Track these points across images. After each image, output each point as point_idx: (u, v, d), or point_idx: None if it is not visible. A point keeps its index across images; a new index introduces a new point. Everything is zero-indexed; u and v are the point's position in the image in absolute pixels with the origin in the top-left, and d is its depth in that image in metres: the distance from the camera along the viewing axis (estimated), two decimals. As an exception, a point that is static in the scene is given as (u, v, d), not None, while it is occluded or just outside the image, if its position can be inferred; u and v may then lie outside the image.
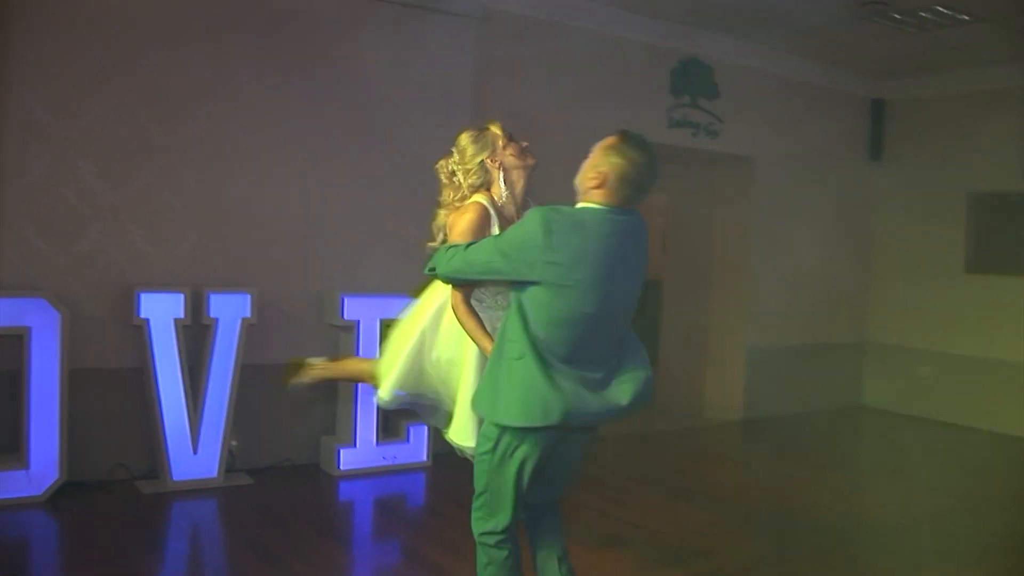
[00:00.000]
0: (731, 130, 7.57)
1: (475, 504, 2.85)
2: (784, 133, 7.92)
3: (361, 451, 5.47)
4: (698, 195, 8.20)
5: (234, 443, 5.04)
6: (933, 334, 8.18)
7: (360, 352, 5.36)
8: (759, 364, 7.87)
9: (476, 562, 2.88)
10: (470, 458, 3.07)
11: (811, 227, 8.19)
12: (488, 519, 2.78)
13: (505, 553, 2.76)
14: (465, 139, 3.23)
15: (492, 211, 3.17)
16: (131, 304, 4.79)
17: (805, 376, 8.22)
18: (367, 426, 5.49)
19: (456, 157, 3.26)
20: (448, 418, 3.34)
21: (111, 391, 4.90)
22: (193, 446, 4.94)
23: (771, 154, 7.85)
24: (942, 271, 8.08)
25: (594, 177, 2.61)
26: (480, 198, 3.20)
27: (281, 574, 3.81)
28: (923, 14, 6.37)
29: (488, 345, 2.85)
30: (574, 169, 2.76)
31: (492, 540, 2.78)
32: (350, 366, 4.04)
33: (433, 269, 2.86)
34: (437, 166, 3.36)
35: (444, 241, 3.25)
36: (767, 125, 7.78)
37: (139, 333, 4.84)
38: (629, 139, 2.62)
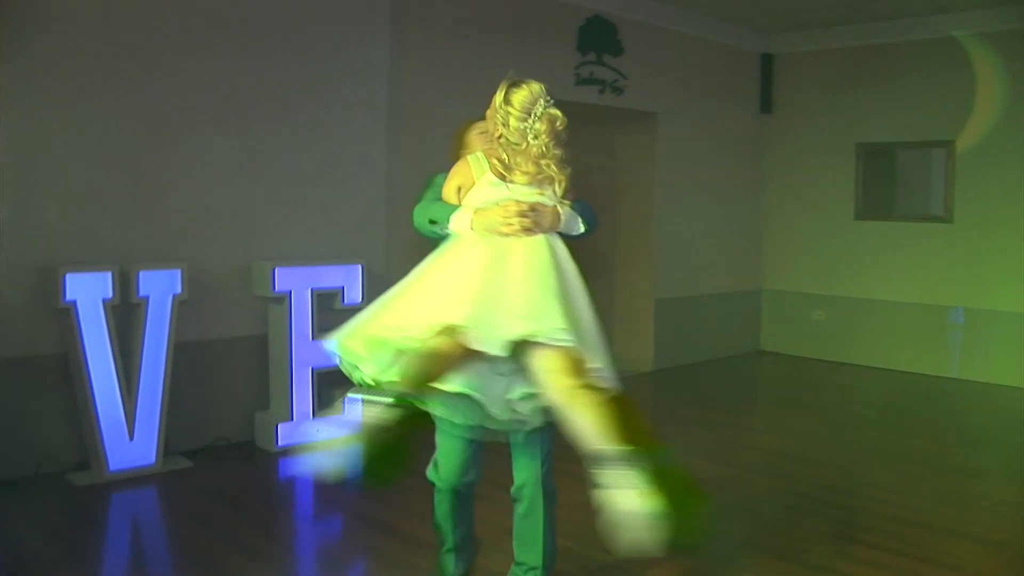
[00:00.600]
0: (635, 87, 7.75)
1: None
2: (684, 88, 8.21)
3: (298, 425, 5.40)
4: (603, 152, 8.37)
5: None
6: (825, 279, 8.69)
7: (293, 325, 5.28)
8: (667, 316, 8.18)
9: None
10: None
11: (709, 180, 8.56)
12: None
13: None
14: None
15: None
16: (50, 285, 4.53)
17: (709, 325, 8.63)
18: (303, 400, 5.42)
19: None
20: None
21: (32, 380, 4.65)
22: (129, 433, 4.77)
23: (672, 109, 8.12)
24: (833, 219, 8.58)
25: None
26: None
27: (238, 554, 3.76)
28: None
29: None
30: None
31: None
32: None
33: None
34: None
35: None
36: (668, 81, 8.04)
37: (64, 317, 4.59)
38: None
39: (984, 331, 7.78)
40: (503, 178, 2.79)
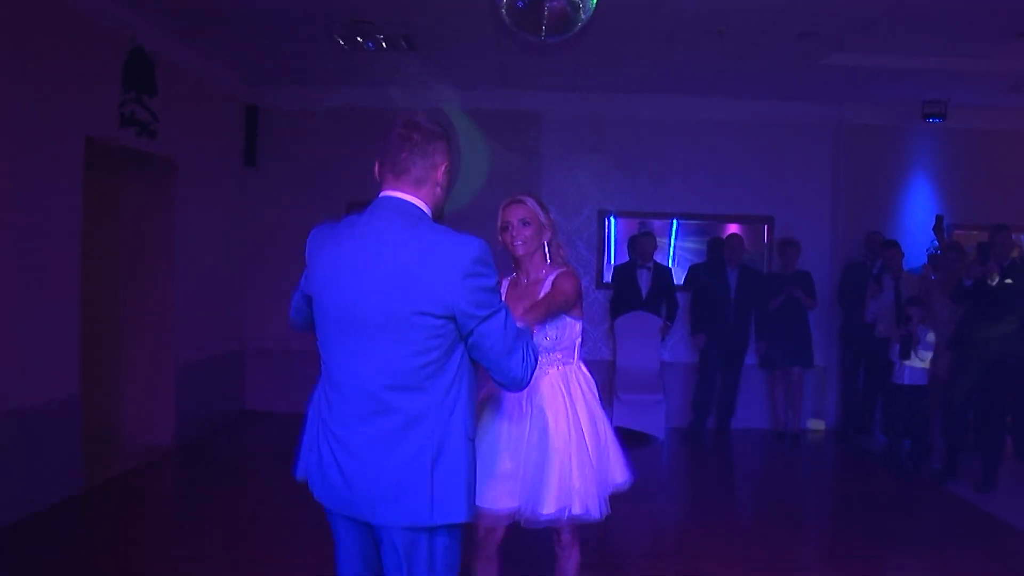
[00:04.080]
0: (164, 131, 7.59)
1: None
2: (201, 136, 8.25)
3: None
4: (130, 199, 7.91)
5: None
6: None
7: None
8: (190, 379, 8.04)
9: None
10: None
11: (212, 235, 8.65)
12: None
13: None
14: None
15: None
16: None
17: (222, 386, 8.68)
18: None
19: (545, 219, 3.76)
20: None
21: None
22: None
23: (191, 157, 8.07)
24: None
25: None
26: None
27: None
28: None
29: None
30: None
31: None
32: None
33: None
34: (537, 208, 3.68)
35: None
36: (184, 126, 7.99)
37: None
38: None
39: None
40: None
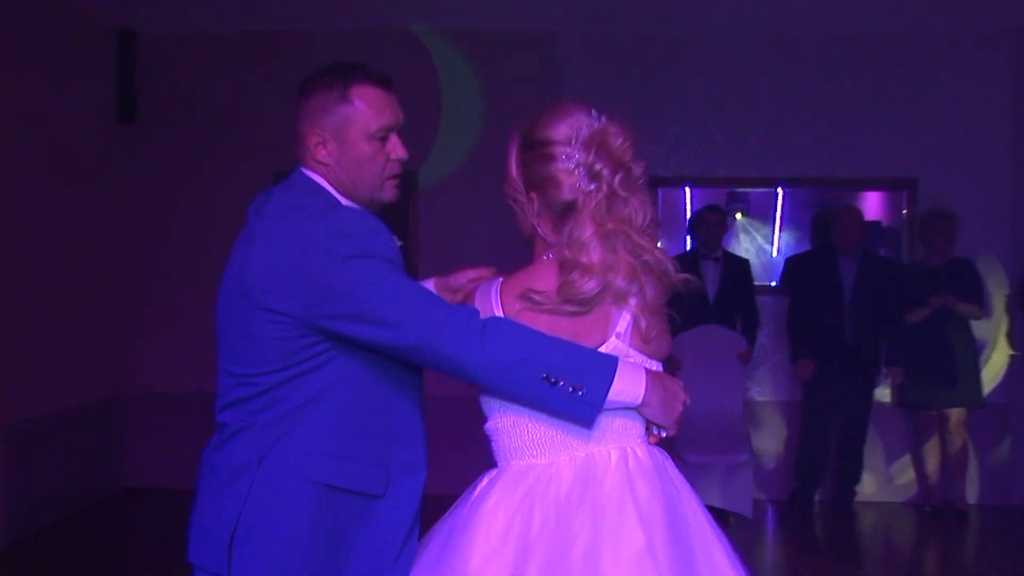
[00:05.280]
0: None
1: None
2: (46, 78, 6.43)
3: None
4: None
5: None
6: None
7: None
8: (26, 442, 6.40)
9: None
10: None
11: (67, 228, 6.82)
12: None
13: None
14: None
15: None
16: None
17: (66, 451, 6.85)
18: None
19: None
20: None
21: None
22: None
23: (28, 112, 6.21)
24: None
25: None
26: None
27: None
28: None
29: None
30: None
31: None
32: None
33: None
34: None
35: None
36: (28, 66, 6.26)
37: None
38: None
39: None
40: None
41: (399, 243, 2.39)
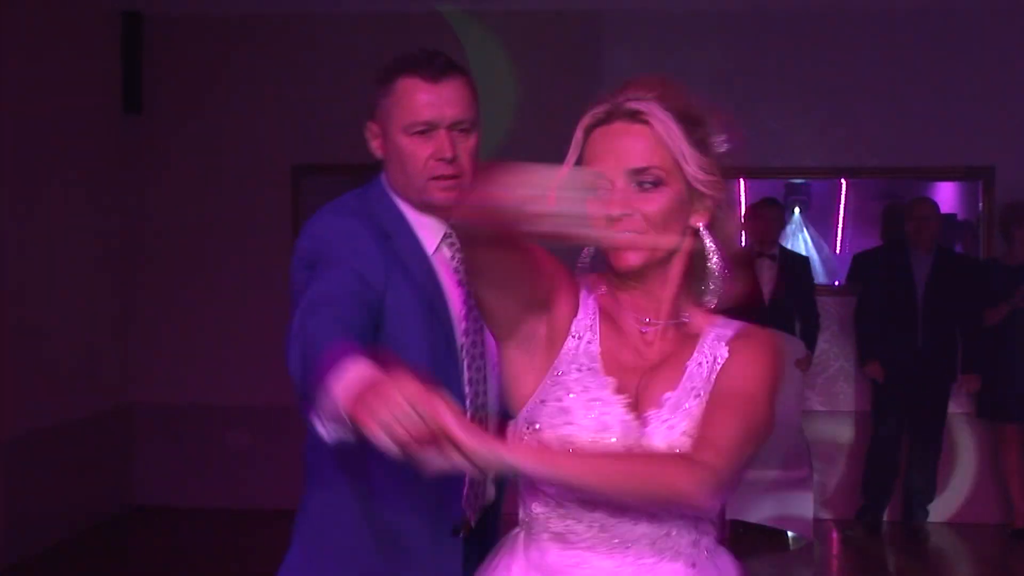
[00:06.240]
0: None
1: None
2: (44, 64, 6.27)
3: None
4: None
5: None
6: (247, 380, 7.21)
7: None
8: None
9: None
10: None
11: (67, 228, 6.69)
12: None
13: None
14: None
15: None
16: None
17: (70, 467, 6.74)
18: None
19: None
20: None
21: None
22: None
23: (24, 102, 6.23)
24: (268, 281, 7.02)
25: None
26: None
27: None
28: None
29: None
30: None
31: None
32: None
33: None
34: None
35: None
36: (24, 51, 6.19)
37: None
38: None
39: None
40: None
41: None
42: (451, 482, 2.21)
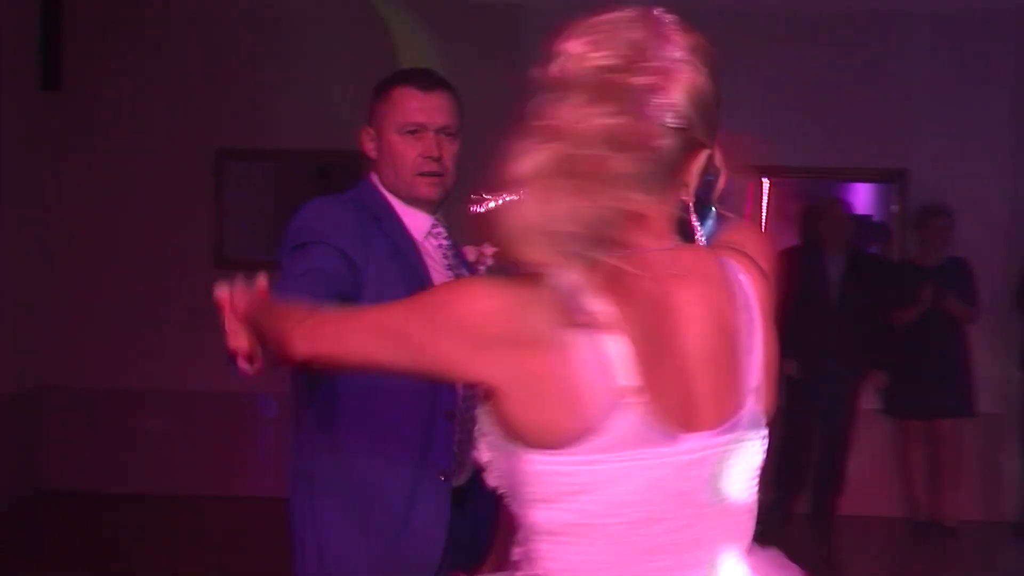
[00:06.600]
0: None
1: None
2: None
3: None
4: None
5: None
6: (166, 366, 7.09)
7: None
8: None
9: None
10: None
11: None
12: None
13: None
14: None
15: None
16: None
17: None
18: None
19: None
20: None
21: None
22: None
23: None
24: (186, 266, 6.97)
25: None
26: None
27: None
28: None
29: None
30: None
31: None
32: None
33: None
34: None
35: None
36: None
37: None
38: None
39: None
40: None
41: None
42: (436, 438, 2.49)
